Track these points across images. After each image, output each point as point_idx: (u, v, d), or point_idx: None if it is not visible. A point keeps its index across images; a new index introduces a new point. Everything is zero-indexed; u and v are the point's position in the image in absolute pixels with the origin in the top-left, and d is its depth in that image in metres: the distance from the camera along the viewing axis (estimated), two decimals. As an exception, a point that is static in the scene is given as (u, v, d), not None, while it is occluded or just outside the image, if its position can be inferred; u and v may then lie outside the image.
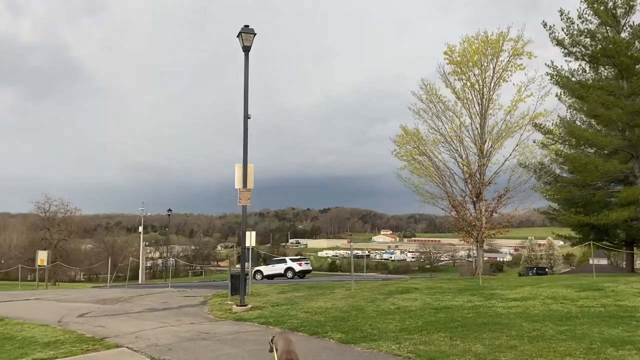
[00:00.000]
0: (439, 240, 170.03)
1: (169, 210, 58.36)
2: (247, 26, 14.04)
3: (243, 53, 14.21)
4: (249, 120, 14.02)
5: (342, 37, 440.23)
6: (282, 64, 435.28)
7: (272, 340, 5.77)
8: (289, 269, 39.52)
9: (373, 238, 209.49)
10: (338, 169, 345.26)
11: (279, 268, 40.07)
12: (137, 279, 57.32)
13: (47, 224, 62.06)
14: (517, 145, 23.26)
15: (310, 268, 43.02)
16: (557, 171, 31.49)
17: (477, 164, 24.13)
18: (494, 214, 24.31)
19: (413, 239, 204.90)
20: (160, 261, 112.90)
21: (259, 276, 40.29)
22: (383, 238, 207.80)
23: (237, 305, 13.50)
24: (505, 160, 23.85)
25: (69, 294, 20.97)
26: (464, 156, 24.11)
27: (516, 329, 8.79)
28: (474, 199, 24.14)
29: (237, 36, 14.10)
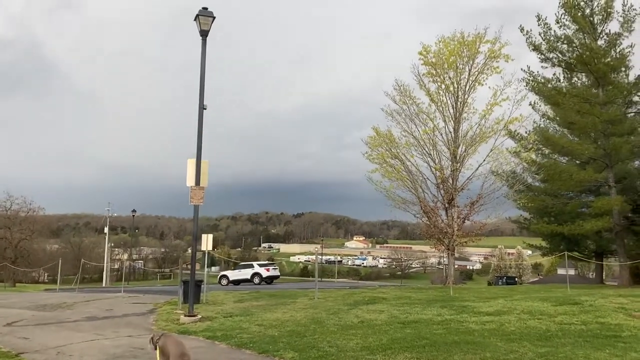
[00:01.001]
0: (411, 247, 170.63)
1: (133, 210, 56.22)
2: (205, 8, 12.78)
3: (201, 38, 12.96)
4: (204, 111, 12.76)
5: (321, 43, 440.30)
6: (258, 67, 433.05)
7: (152, 339, 5.78)
8: (255, 274, 38.24)
9: (346, 244, 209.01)
10: (313, 174, 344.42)
11: (245, 273, 38.77)
12: (102, 281, 55.10)
13: (8, 223, 59.15)
14: (491, 150, 22.63)
15: (278, 274, 41.75)
16: (529, 180, 31.11)
17: (450, 169, 23.35)
18: (466, 221, 23.56)
19: (385, 245, 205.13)
20: (128, 263, 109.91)
21: (224, 281, 38.87)
22: (356, 244, 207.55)
23: (185, 316, 12.19)
24: (479, 166, 23.19)
25: (9, 298, 19.24)
26: (436, 160, 23.32)
27: (491, 350, 7.74)
28: (446, 205, 23.33)
29: (195, 19, 12.84)
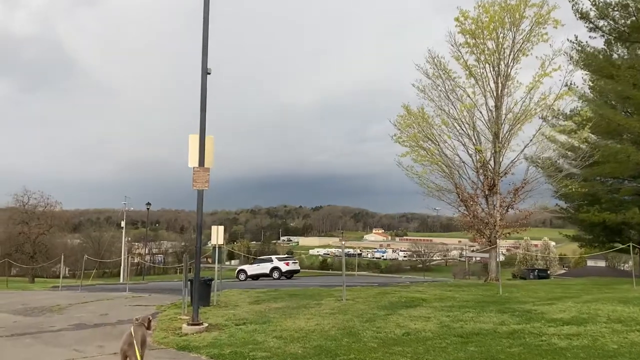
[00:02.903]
0: (431, 240, 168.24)
1: (148, 203, 54.60)
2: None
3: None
4: (208, 76, 10.52)
5: (341, 35, 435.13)
6: (279, 59, 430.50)
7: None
8: (275, 268, 36.29)
9: (365, 236, 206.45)
10: (332, 167, 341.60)
11: (264, 267, 36.85)
12: (120, 276, 53.88)
13: (25, 218, 58.43)
14: (539, 128, 19.92)
15: (298, 268, 39.66)
16: (568, 165, 28.43)
17: (491, 151, 20.77)
18: (509, 209, 21.00)
19: (405, 237, 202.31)
20: (147, 258, 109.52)
21: (242, 276, 36.99)
22: (375, 237, 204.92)
23: (188, 324, 10.01)
24: (525, 147, 20.55)
25: (2, 299, 17.36)
26: (476, 141, 20.72)
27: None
28: (487, 192, 20.79)
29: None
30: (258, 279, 35.61)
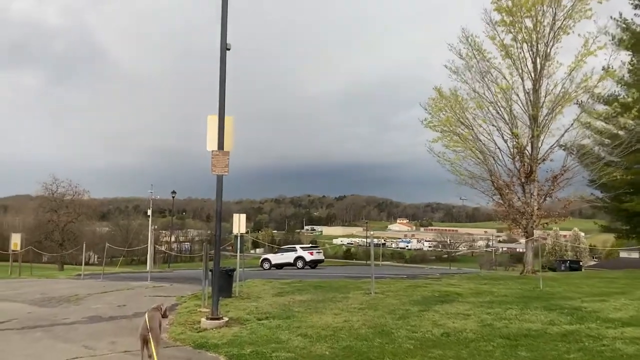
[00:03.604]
0: (457, 230, 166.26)
1: (173, 192, 54.67)
2: None
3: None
4: (227, 51, 9.73)
5: (366, 23, 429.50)
6: (302, 49, 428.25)
7: None
8: (299, 258, 35.76)
9: (389, 226, 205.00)
10: (356, 156, 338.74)
11: (288, 257, 36.36)
12: (152, 264, 54.24)
13: (54, 206, 59.31)
14: (581, 112, 18.57)
15: (323, 257, 39.04)
16: (602, 154, 26.96)
17: (528, 137, 19.53)
18: (547, 198, 19.77)
19: (430, 227, 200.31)
20: (175, 246, 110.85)
21: (266, 265, 36.61)
22: (399, 227, 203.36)
23: (207, 318, 9.33)
24: (565, 132, 19.22)
25: (22, 287, 17.08)
26: (512, 126, 19.48)
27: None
28: (523, 180, 19.59)
29: None
30: (282, 268, 35.16)
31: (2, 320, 10.25)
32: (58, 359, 6.95)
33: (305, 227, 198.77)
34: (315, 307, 10.89)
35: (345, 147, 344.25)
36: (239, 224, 13.77)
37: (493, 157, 20.06)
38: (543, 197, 19.64)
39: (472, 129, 20.00)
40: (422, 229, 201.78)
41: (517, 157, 19.66)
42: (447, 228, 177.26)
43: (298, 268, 34.66)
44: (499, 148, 20.10)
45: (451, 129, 20.07)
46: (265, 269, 35.28)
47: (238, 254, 14.17)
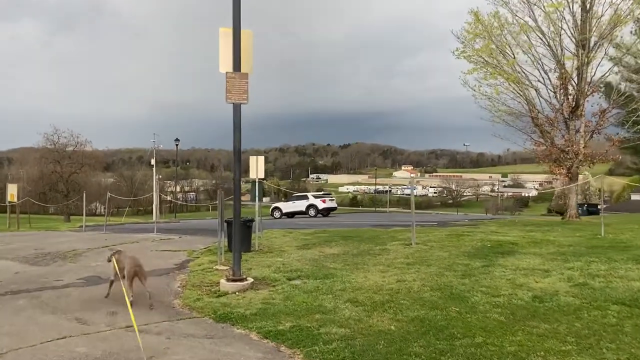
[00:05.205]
0: (461, 176, 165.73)
1: (177, 140, 52.66)
2: None
3: None
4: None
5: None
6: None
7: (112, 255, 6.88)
8: (311, 206, 34.32)
9: (394, 173, 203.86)
10: (360, 104, 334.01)
11: (299, 205, 34.92)
12: (158, 214, 53.18)
13: (57, 157, 58.17)
14: (637, 37, 16.21)
15: (335, 205, 37.61)
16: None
17: (574, 66, 17.28)
18: (594, 135, 17.76)
19: (434, 174, 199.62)
20: (180, 196, 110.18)
21: (277, 214, 35.23)
22: (404, 173, 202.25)
23: (227, 280, 7.62)
24: (621, 58, 16.93)
25: (17, 241, 15.47)
26: (558, 54, 17.19)
27: None
28: (567, 116, 17.52)
29: None
30: (293, 217, 33.81)
31: (-15, 282, 8.61)
32: (39, 340, 5.25)
33: (311, 176, 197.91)
34: (353, 262, 9.20)
35: (349, 94, 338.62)
36: (257, 168, 11.95)
37: (536, 89, 17.90)
38: (589, 134, 17.64)
39: (514, 57, 17.72)
40: (427, 175, 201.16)
41: (562, 89, 17.50)
42: (452, 174, 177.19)
43: (310, 216, 33.29)
44: (541, 80, 17.88)
45: (487, 61, 17.80)
46: (275, 218, 33.93)
47: (257, 202, 12.41)
